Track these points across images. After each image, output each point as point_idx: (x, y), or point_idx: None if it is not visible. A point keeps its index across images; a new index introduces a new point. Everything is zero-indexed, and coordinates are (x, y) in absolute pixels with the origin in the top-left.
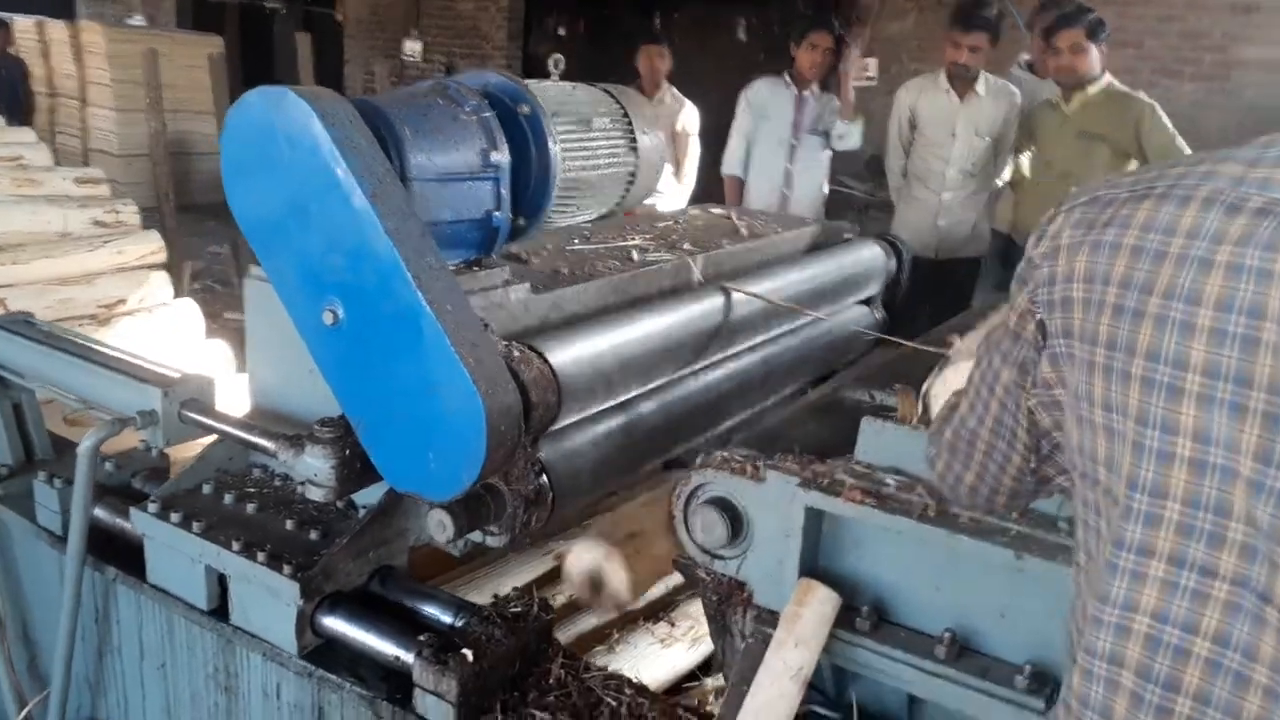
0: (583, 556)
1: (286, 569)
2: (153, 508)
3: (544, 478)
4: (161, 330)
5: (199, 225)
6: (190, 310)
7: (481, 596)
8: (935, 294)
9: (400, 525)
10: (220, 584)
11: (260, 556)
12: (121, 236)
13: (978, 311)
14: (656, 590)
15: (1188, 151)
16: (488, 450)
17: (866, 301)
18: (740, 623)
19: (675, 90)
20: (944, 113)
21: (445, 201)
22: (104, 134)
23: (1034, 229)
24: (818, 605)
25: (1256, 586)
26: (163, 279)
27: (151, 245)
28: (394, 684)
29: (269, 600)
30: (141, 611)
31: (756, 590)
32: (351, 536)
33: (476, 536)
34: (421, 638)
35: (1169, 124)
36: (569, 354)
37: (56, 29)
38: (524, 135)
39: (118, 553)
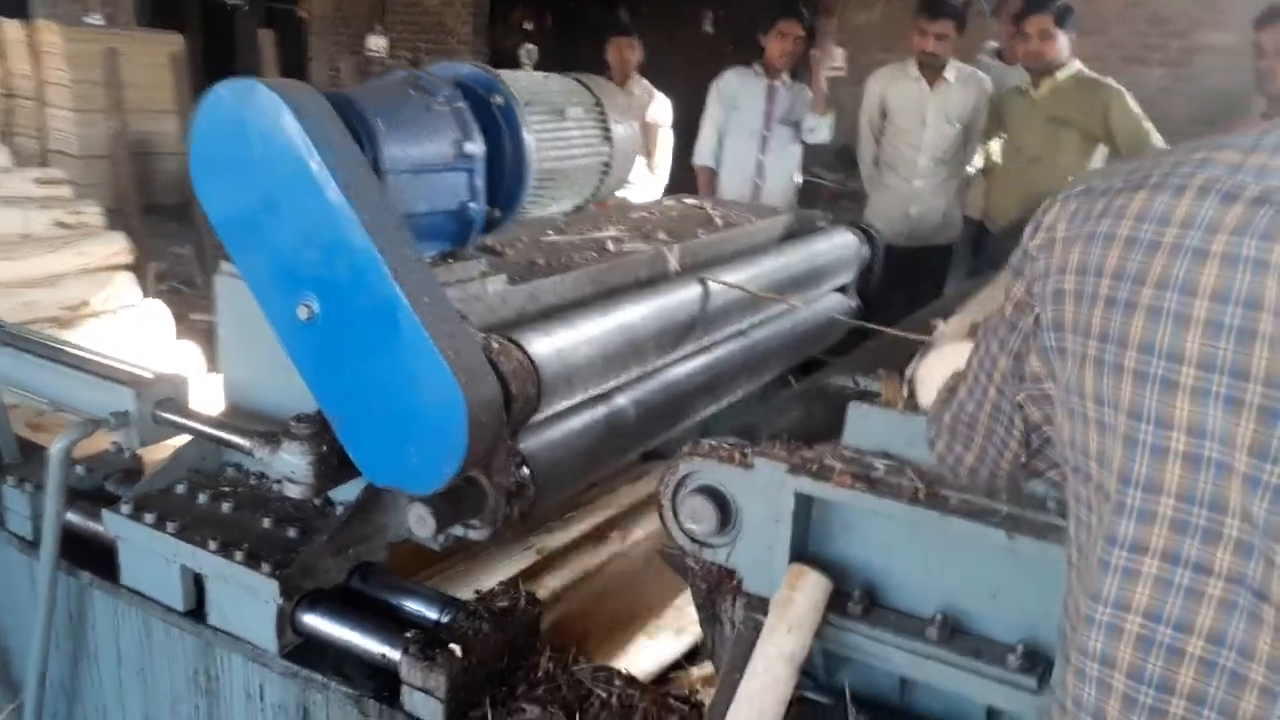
0: None
1: (265, 567)
2: (125, 509)
3: (525, 470)
4: (129, 332)
5: (162, 226)
6: (158, 311)
7: (459, 593)
8: (908, 282)
9: (380, 521)
10: (197, 585)
11: (237, 555)
12: (85, 238)
13: (954, 298)
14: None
15: (1156, 137)
16: (469, 443)
17: (842, 289)
18: (730, 610)
19: (645, 82)
20: (914, 100)
21: (420, 193)
22: (63, 135)
23: (1005, 215)
24: (809, 590)
25: (1252, 584)
26: (128, 280)
27: (115, 246)
28: (380, 682)
29: (247, 599)
30: (118, 616)
31: (746, 577)
32: (331, 533)
33: (458, 531)
34: (408, 634)
35: (1137, 109)
36: (548, 345)
37: (11, 28)
38: (498, 126)
39: (91, 557)
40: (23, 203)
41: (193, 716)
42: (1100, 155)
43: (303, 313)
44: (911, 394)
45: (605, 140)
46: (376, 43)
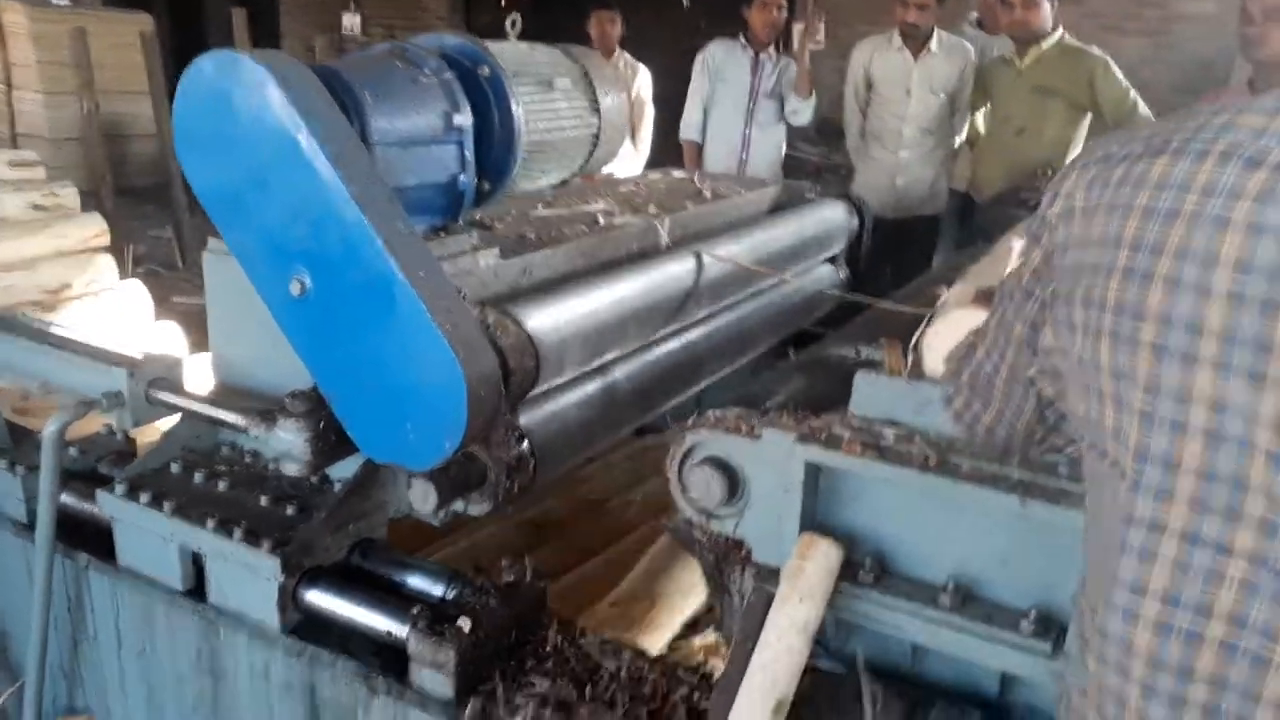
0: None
1: (265, 544)
2: (120, 489)
3: (525, 444)
4: (110, 314)
5: (138, 209)
6: (138, 293)
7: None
8: (895, 253)
9: (379, 497)
10: (195, 564)
11: (236, 533)
12: (61, 220)
13: (946, 268)
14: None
15: (1142, 106)
16: (468, 417)
17: (831, 260)
18: (739, 581)
19: (628, 56)
20: (898, 71)
21: (409, 167)
22: (32, 117)
23: (992, 186)
24: (821, 559)
25: (1275, 564)
26: (108, 262)
27: (94, 228)
28: (386, 658)
29: (248, 578)
30: (116, 597)
31: (755, 548)
32: (330, 510)
33: (458, 506)
34: (414, 610)
35: (1122, 78)
36: (544, 319)
37: None
38: (485, 97)
39: (87, 539)
40: None
41: (198, 697)
42: (1086, 125)
43: (295, 288)
44: (916, 362)
45: (594, 112)
46: (350, 21)
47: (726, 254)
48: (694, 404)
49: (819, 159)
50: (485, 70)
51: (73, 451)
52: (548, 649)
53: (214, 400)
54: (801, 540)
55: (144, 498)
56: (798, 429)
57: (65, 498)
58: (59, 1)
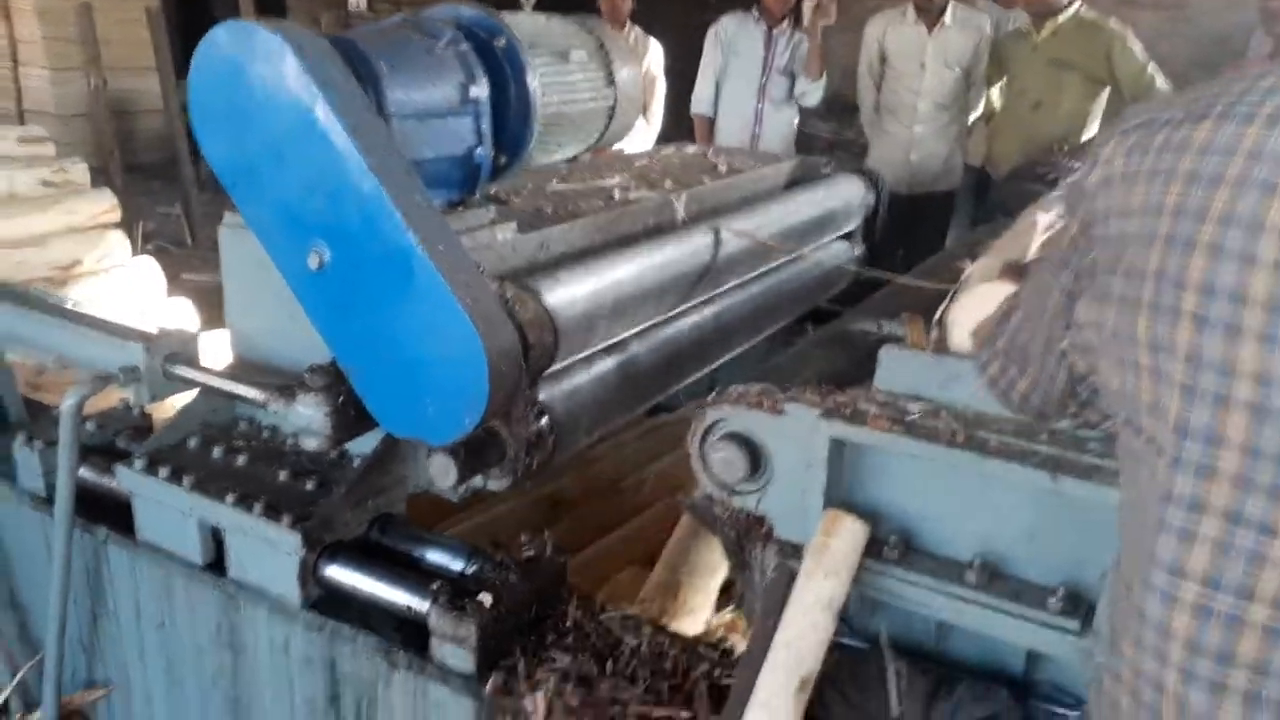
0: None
1: (285, 519)
2: (139, 464)
3: (544, 419)
4: (122, 291)
5: (146, 185)
6: (150, 269)
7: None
8: (909, 230)
9: (398, 472)
10: (215, 539)
11: (256, 508)
12: (72, 196)
13: (963, 245)
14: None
15: (1161, 79)
16: (489, 392)
17: (847, 236)
18: (760, 557)
19: (639, 29)
20: (912, 45)
21: (425, 139)
22: (39, 94)
23: (1008, 161)
24: (846, 535)
25: None
26: (119, 239)
27: (104, 204)
28: (406, 633)
29: (268, 552)
30: (135, 571)
31: (778, 524)
32: (350, 485)
33: (478, 482)
34: (435, 585)
35: (1140, 51)
36: (563, 294)
37: None
38: (501, 69)
39: (105, 513)
40: (6, 162)
41: (217, 670)
42: (1104, 99)
43: (313, 261)
44: (940, 337)
45: (609, 84)
46: None
47: (743, 230)
48: (707, 383)
49: (830, 135)
50: (501, 41)
51: (90, 426)
52: (568, 624)
53: (232, 375)
54: (826, 516)
55: (163, 472)
56: (822, 404)
57: (83, 472)
58: None
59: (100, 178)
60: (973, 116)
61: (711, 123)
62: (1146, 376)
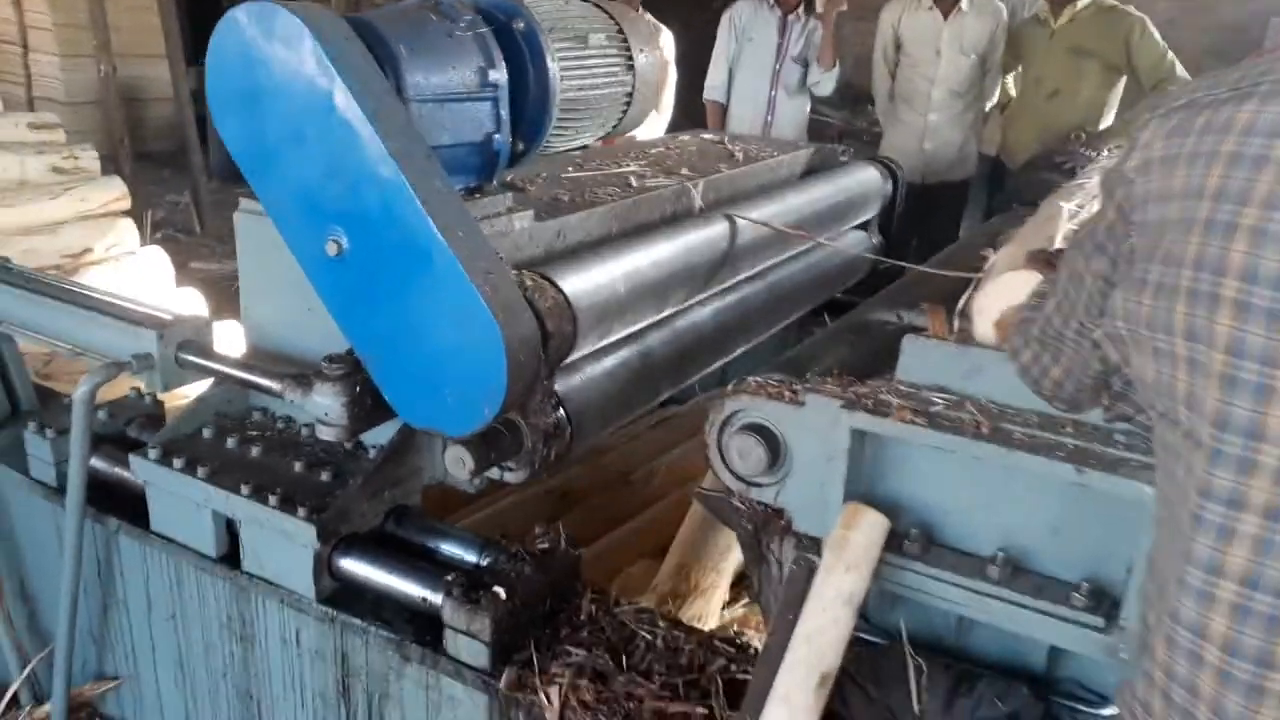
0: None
1: (301, 511)
2: (153, 454)
3: (561, 410)
4: (131, 279)
5: (155, 173)
6: (158, 258)
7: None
8: (922, 219)
9: (414, 463)
10: (229, 530)
11: (272, 500)
12: (83, 183)
13: (981, 233)
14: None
15: (1180, 67)
16: (508, 382)
17: (864, 226)
18: (779, 550)
19: (650, 16)
20: (928, 31)
21: (443, 124)
22: (48, 81)
23: (1025, 150)
24: (867, 529)
25: None
26: (129, 226)
27: (114, 192)
28: (419, 625)
29: (283, 544)
30: (147, 562)
31: (796, 517)
32: (366, 476)
33: (494, 473)
34: (449, 577)
35: (1159, 38)
36: (582, 282)
37: None
38: (520, 53)
39: (117, 503)
40: (17, 148)
41: (228, 662)
42: (1122, 87)
43: (331, 248)
44: (964, 327)
45: (628, 69)
46: None
47: (761, 218)
48: (717, 374)
49: (842, 123)
50: (520, 24)
51: (101, 415)
52: (582, 618)
53: (246, 364)
54: (847, 510)
55: (177, 463)
56: (843, 395)
57: (95, 462)
58: None
59: (109, 165)
60: (988, 105)
61: (724, 109)
62: (1183, 367)
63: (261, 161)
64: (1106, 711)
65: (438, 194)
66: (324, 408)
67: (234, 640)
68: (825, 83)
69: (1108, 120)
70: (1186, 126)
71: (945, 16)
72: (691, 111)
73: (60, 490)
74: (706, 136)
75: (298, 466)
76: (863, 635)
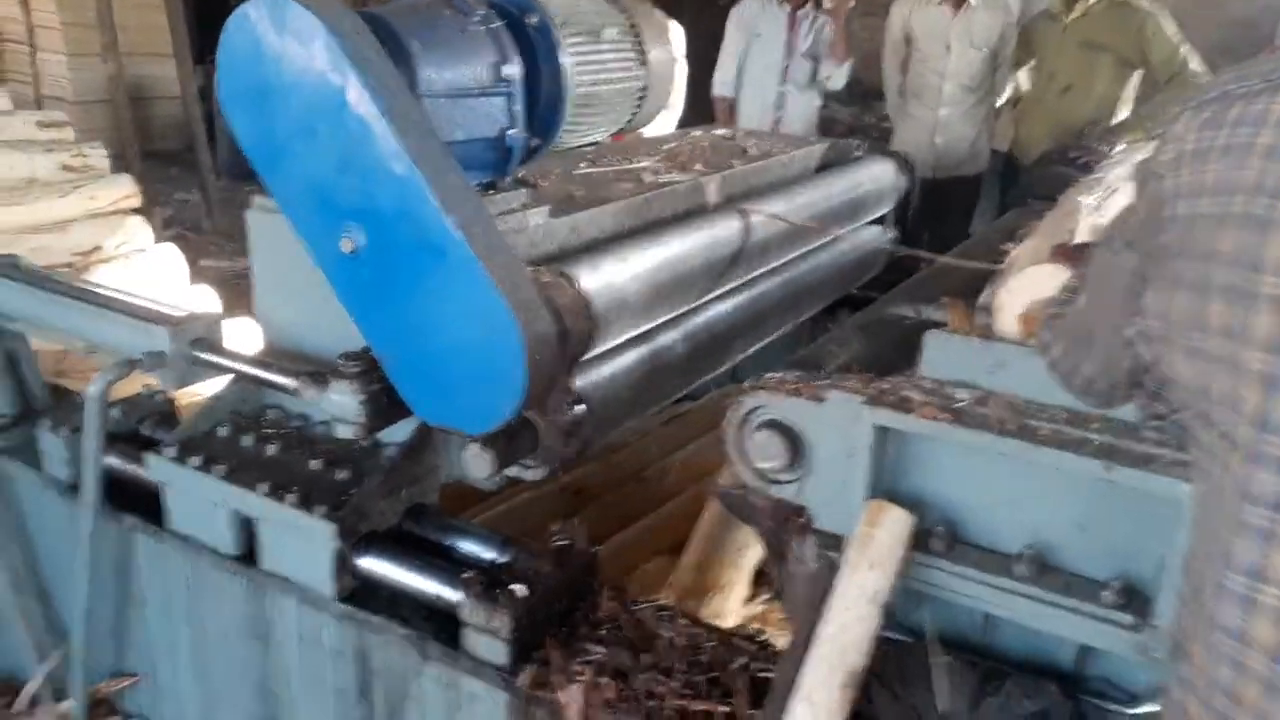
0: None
1: (319, 510)
2: (170, 452)
3: (579, 408)
4: (143, 277)
5: (164, 172)
6: (171, 255)
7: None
8: (934, 215)
9: (431, 461)
10: (247, 528)
11: (289, 498)
12: (92, 181)
13: (993, 232)
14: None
15: (1195, 60)
16: (527, 380)
17: (879, 221)
18: (799, 549)
19: (659, 11)
20: (938, 26)
21: (457, 120)
22: (57, 80)
23: (1037, 146)
24: (891, 526)
25: None
26: (139, 224)
27: (124, 190)
28: (438, 624)
29: (302, 543)
30: (163, 560)
31: (818, 515)
32: (383, 475)
33: (512, 471)
34: (467, 575)
35: (1174, 31)
36: (598, 279)
37: None
38: (534, 47)
39: (132, 501)
40: (26, 146)
41: (245, 660)
42: (1135, 82)
43: (346, 245)
44: (984, 322)
45: (641, 64)
46: None
47: (777, 213)
48: (729, 371)
49: (851, 119)
50: (533, 19)
51: (114, 412)
52: (601, 615)
53: (261, 361)
54: (870, 507)
55: (194, 462)
56: (865, 391)
57: (109, 459)
58: None
59: (118, 164)
60: (1000, 100)
61: (733, 105)
62: (1220, 366)
63: (274, 157)
64: (1137, 710)
65: (454, 190)
66: (340, 406)
67: (252, 638)
68: (838, 77)
69: (1121, 115)
70: (1219, 119)
71: (955, 11)
72: (698, 107)
73: (74, 488)
74: (719, 132)
75: (314, 465)
76: (887, 634)
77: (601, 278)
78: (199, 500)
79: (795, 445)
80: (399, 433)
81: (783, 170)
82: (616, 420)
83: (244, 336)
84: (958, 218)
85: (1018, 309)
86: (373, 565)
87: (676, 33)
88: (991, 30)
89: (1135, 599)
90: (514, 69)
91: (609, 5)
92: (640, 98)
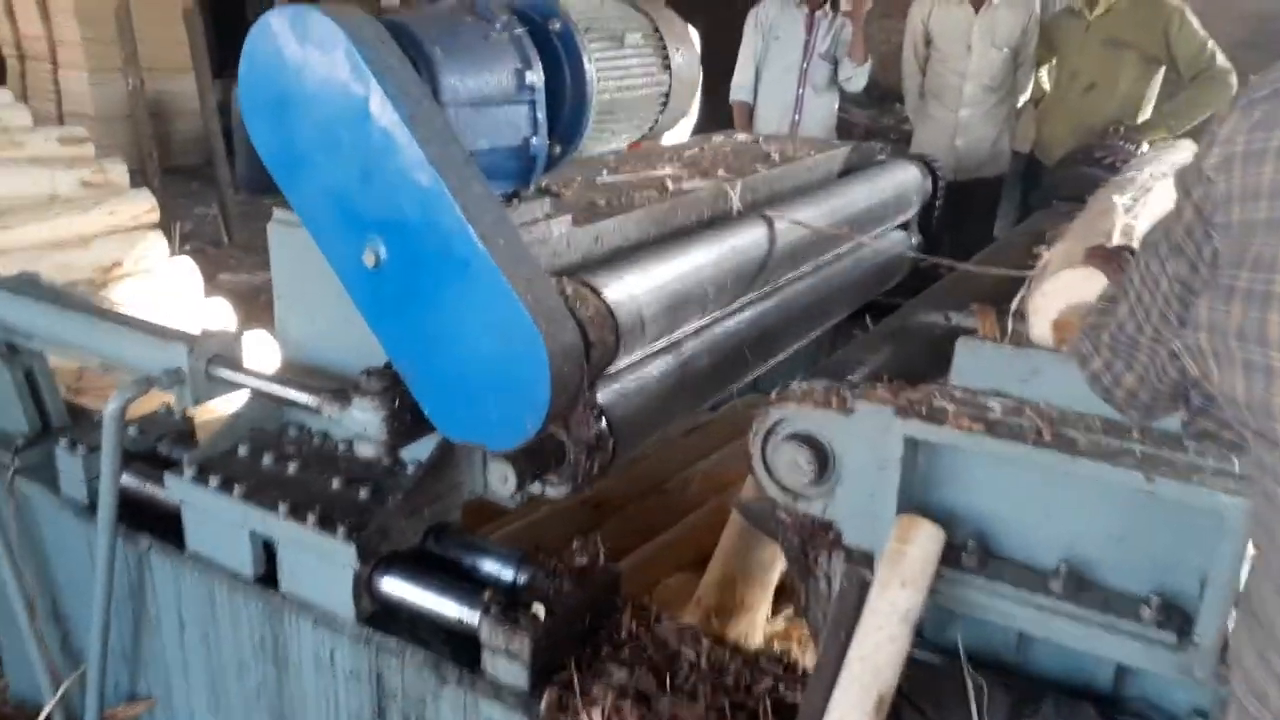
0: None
1: (340, 531)
2: (189, 472)
3: (604, 422)
4: (161, 291)
5: (184, 187)
6: (188, 269)
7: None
8: (955, 218)
9: (454, 479)
10: (266, 549)
11: (310, 519)
12: (112, 197)
13: (1020, 235)
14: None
15: (1221, 56)
16: (552, 394)
17: (904, 226)
18: (827, 564)
19: (676, 17)
20: (958, 25)
21: (480, 128)
22: (78, 96)
23: (1060, 146)
24: (923, 542)
25: None
26: (158, 239)
27: (144, 205)
28: (456, 645)
29: (322, 565)
30: (180, 582)
31: (846, 530)
32: (406, 493)
33: (535, 488)
34: (486, 595)
35: (1199, 27)
36: (623, 289)
37: None
38: (556, 54)
39: (149, 522)
40: (48, 163)
41: (261, 683)
42: (1160, 79)
43: (369, 258)
44: (1016, 328)
45: (665, 70)
46: None
47: (801, 219)
48: (750, 380)
49: (868, 121)
50: (556, 25)
51: (132, 431)
52: (623, 635)
53: (280, 378)
54: (900, 522)
55: (214, 482)
56: (894, 401)
57: (126, 478)
58: None
59: (138, 178)
60: (1021, 99)
61: (751, 110)
62: (1279, 381)
63: (296, 169)
64: None
65: (478, 200)
66: (362, 423)
67: (267, 661)
68: (857, 78)
69: (1145, 114)
70: (1273, 119)
71: (976, 10)
72: (712, 112)
73: (92, 508)
74: (740, 137)
75: (335, 483)
76: (917, 653)
77: (626, 288)
78: (218, 521)
79: (823, 458)
80: (421, 450)
81: (807, 175)
82: (641, 435)
83: (263, 348)
84: (979, 220)
85: (1051, 315)
86: (393, 587)
87: (692, 36)
88: (1014, 29)
89: (1175, 616)
90: (537, 76)
91: (632, 10)
92: (663, 103)
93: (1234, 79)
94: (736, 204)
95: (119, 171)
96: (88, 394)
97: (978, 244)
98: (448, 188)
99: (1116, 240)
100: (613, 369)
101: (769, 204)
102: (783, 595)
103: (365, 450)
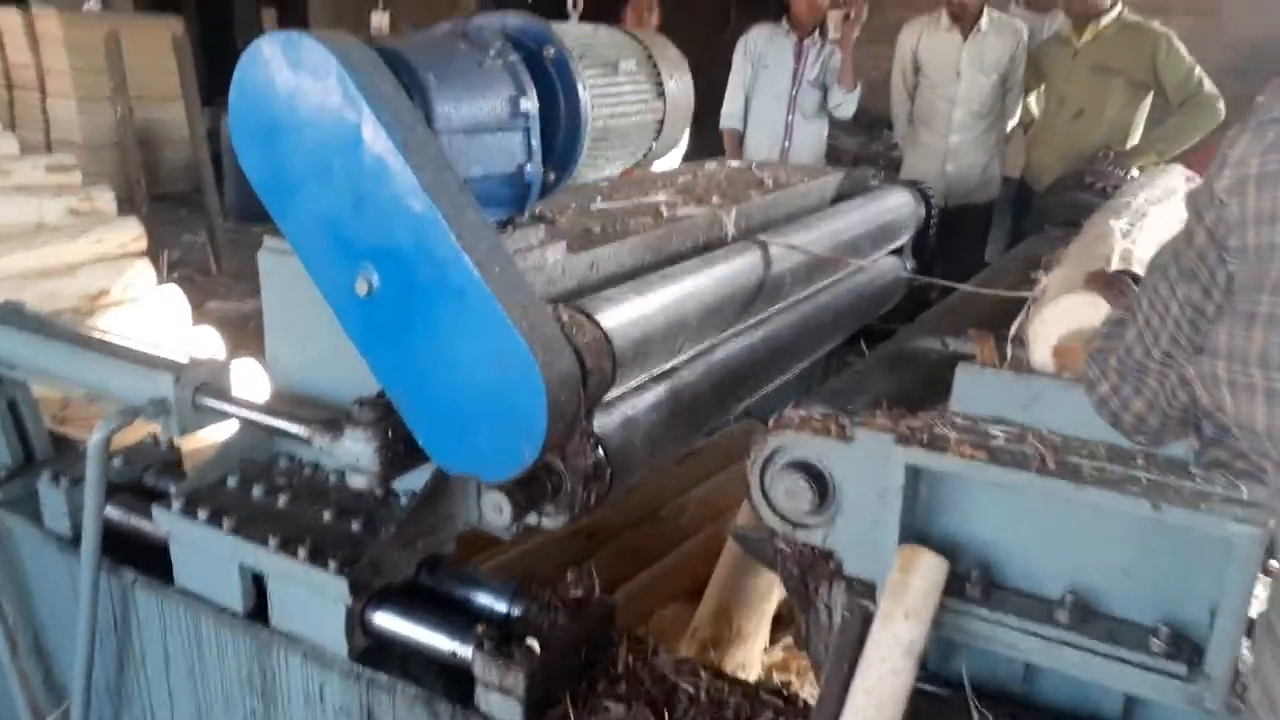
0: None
1: (331, 565)
2: (178, 504)
3: (600, 451)
4: (148, 320)
5: (172, 214)
6: (175, 298)
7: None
8: (946, 244)
9: (448, 510)
10: (256, 583)
11: (301, 553)
12: (99, 225)
13: (1013, 260)
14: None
15: (1208, 82)
16: (548, 424)
17: (897, 251)
18: (828, 595)
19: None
20: (947, 52)
21: (473, 156)
22: (66, 124)
23: (1049, 172)
24: (926, 572)
25: None
26: (145, 267)
27: (131, 233)
28: (449, 680)
29: (314, 600)
30: (165, 616)
31: (846, 560)
32: (399, 525)
33: (531, 519)
34: (479, 629)
35: (1186, 53)
36: (619, 316)
37: (8, 16)
38: (550, 81)
39: (133, 555)
40: (35, 191)
41: (248, 719)
42: (1148, 105)
43: (361, 287)
44: (1015, 354)
45: (659, 96)
46: (380, 20)
47: (799, 244)
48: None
49: (857, 148)
50: (550, 52)
51: (117, 462)
52: (619, 669)
53: (269, 408)
54: (903, 552)
55: (202, 514)
56: (895, 429)
57: (110, 511)
58: (90, 7)
59: (125, 206)
60: (1010, 124)
61: (741, 136)
62: None
63: (287, 196)
64: None
65: (472, 227)
66: (355, 454)
67: (255, 697)
68: (847, 104)
69: (1134, 139)
70: None
71: (965, 36)
72: (700, 141)
73: (75, 541)
74: (733, 164)
75: (327, 515)
76: (922, 686)
77: (622, 314)
78: (207, 555)
79: (822, 487)
80: (414, 480)
81: (801, 201)
82: (638, 463)
83: (252, 376)
84: (970, 246)
85: (1052, 340)
86: (386, 621)
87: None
88: (1002, 55)
89: (1185, 646)
90: (531, 103)
91: (626, 37)
92: (658, 129)
93: (1221, 105)
94: (731, 230)
95: (106, 199)
96: (74, 423)
97: (969, 270)
98: (442, 215)
99: (1115, 265)
100: (609, 397)
101: (764, 230)
102: (780, 624)
103: (357, 481)
